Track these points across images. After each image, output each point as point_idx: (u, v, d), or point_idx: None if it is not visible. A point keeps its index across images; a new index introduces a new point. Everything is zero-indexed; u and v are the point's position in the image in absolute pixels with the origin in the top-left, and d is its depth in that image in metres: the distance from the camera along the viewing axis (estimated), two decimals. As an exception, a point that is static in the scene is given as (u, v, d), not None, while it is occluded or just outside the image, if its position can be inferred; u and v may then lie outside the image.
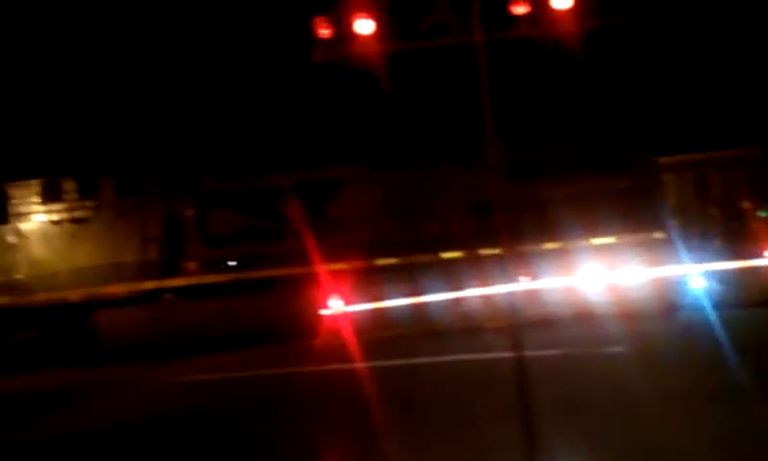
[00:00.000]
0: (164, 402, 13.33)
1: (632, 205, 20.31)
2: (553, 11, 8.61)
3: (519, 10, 8.47)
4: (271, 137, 23.35)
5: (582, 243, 20.43)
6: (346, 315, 19.72)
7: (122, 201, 21.82)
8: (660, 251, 19.99)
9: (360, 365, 13.42)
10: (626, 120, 21.39)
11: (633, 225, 20.40)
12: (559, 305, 19.25)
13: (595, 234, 20.47)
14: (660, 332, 15.34)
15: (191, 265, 22.19)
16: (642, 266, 19.70)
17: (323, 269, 20.11)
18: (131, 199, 21.84)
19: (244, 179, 22.52)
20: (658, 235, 20.41)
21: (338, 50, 8.74)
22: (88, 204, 21.58)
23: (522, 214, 20.58)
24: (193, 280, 21.87)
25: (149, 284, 21.75)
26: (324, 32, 8.71)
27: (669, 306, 18.71)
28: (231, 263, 22.15)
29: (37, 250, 21.16)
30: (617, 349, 12.79)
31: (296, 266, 21.01)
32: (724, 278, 18.95)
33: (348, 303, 20.24)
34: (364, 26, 8.67)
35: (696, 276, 19.13)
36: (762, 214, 20.03)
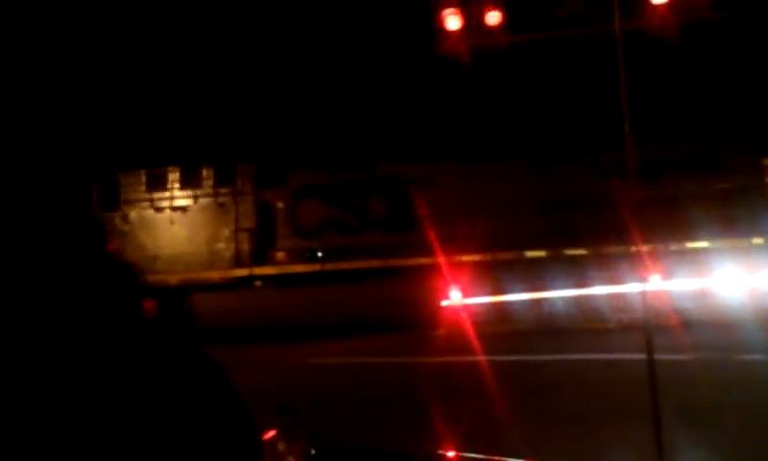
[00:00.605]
0: (297, 382, 13.51)
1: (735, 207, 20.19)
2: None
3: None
4: (366, 131, 23.84)
5: (712, 245, 20.15)
6: (466, 307, 19.78)
7: (218, 190, 22.82)
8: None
9: (481, 358, 13.37)
10: (733, 119, 21.10)
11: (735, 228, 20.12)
12: (691, 308, 18.71)
13: (712, 237, 20.22)
14: None
15: (281, 254, 22.97)
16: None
17: (442, 261, 20.24)
18: (226, 188, 22.83)
19: (334, 172, 23.23)
20: (757, 241, 20.17)
21: (464, 41, 9.03)
22: (188, 192, 22.70)
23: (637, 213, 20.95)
24: (286, 269, 22.58)
25: (240, 271, 22.70)
26: (453, 23, 9.01)
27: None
28: (319, 254, 22.75)
29: (142, 235, 22.32)
30: (756, 356, 12.39)
31: (397, 258, 21.64)
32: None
33: (467, 295, 20.39)
34: (492, 17, 9.00)
35: None
36: None
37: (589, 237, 20.58)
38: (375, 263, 21.99)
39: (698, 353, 12.76)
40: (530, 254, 21.22)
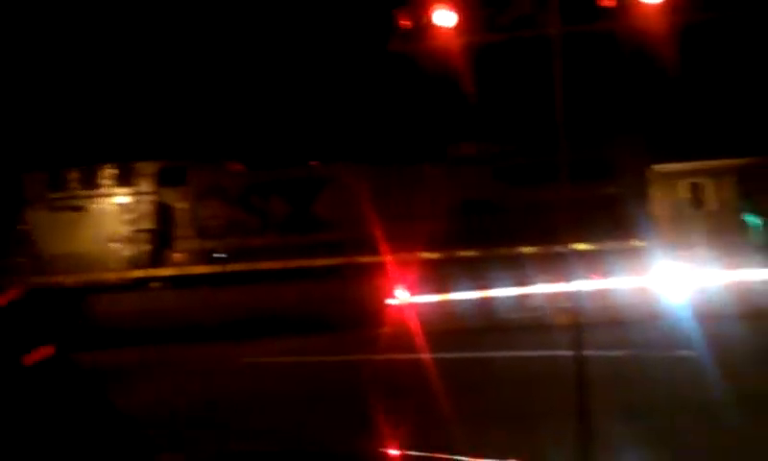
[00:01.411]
0: (235, 383, 13.44)
1: (615, 212, 20.65)
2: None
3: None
4: (273, 131, 23.75)
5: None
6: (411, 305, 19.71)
7: (117, 190, 22.35)
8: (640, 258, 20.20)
9: (426, 355, 13.41)
10: (616, 126, 21.67)
11: (615, 232, 20.59)
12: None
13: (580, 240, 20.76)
14: (735, 335, 14.87)
15: (180, 256, 22.65)
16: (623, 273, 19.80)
17: (383, 259, 20.24)
18: (126, 188, 22.38)
19: (238, 172, 23.11)
20: (637, 243, 20.70)
21: (416, 41, 9.29)
22: (87, 192, 22.14)
23: (513, 216, 21.67)
24: (185, 270, 22.30)
25: (137, 273, 22.27)
26: (405, 23, 9.27)
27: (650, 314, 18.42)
28: (219, 255, 22.56)
29: (41, 236, 21.68)
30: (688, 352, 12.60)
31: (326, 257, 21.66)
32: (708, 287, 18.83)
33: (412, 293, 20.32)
34: (444, 18, 9.32)
35: (678, 284, 19.04)
36: (749, 220, 20.50)
37: (491, 238, 21.07)
38: (277, 265, 21.93)
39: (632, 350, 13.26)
40: (463, 253, 21.39)
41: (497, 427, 8.62)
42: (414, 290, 20.32)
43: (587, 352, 7.18)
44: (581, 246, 20.68)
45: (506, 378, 11.94)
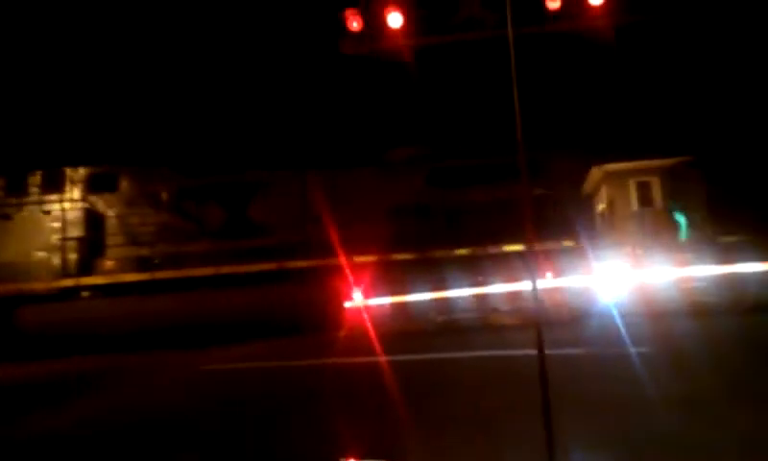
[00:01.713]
0: (193, 390, 13.13)
1: (544, 213, 21.00)
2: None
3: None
4: (206, 136, 23.46)
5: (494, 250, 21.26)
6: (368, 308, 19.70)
7: (45, 197, 21.76)
8: (570, 259, 20.45)
9: (383, 358, 13.39)
10: (551, 127, 22.24)
11: (544, 233, 20.85)
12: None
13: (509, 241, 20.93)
14: (687, 334, 14.99)
15: (110, 263, 22.18)
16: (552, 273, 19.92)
17: (339, 262, 20.21)
18: (54, 195, 21.81)
19: (169, 178, 22.77)
20: (568, 243, 21.12)
21: (367, 43, 9.27)
22: (13, 200, 21.49)
23: (438, 220, 21.92)
24: (116, 278, 21.83)
25: (67, 282, 21.71)
26: (354, 25, 9.23)
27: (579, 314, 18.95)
28: (156, 262, 22.21)
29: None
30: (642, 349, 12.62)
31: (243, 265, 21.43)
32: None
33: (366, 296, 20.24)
34: (394, 20, 9.30)
35: (609, 284, 19.29)
36: (677, 218, 20.92)
37: (417, 242, 21.20)
38: (209, 271, 21.68)
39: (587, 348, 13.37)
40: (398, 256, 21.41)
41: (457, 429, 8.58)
42: (362, 293, 20.37)
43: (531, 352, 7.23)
44: (515, 247, 21.22)
45: (464, 379, 11.90)
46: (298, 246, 21.71)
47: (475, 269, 20.67)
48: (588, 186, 22.09)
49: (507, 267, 20.17)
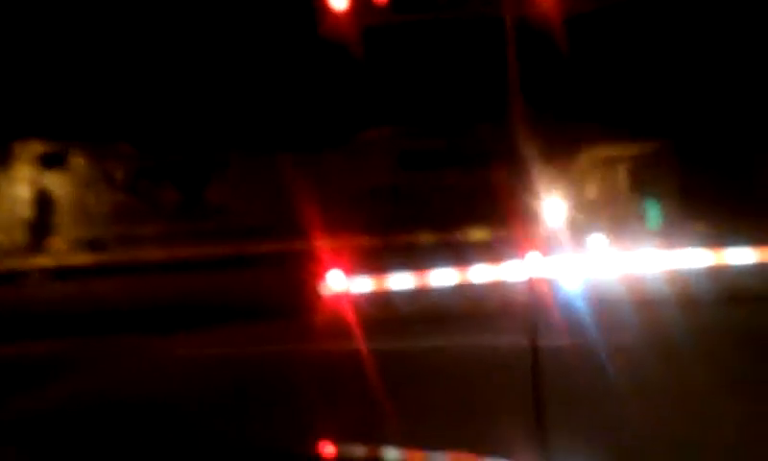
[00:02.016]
0: (169, 375, 12.89)
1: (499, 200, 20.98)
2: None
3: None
4: (166, 113, 22.53)
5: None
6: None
7: (-8, 174, 20.91)
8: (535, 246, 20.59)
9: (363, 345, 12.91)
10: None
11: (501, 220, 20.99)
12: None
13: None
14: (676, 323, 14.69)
15: (61, 244, 21.48)
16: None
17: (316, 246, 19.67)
18: (1, 172, 20.99)
19: (126, 155, 22.01)
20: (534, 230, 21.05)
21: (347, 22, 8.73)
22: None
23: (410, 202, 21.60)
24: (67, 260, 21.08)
25: (13, 263, 20.88)
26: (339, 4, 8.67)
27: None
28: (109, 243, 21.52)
29: None
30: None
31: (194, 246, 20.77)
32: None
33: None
34: None
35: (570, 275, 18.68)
36: (646, 205, 20.86)
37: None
38: (164, 254, 20.95)
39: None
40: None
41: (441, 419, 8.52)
42: (333, 277, 19.94)
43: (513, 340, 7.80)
44: (485, 232, 21.01)
45: (449, 368, 11.68)
46: (261, 229, 21.20)
47: (449, 253, 20.43)
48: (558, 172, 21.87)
49: (480, 252, 19.95)
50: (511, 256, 15.15)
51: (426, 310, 18.93)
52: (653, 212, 20.56)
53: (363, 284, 19.27)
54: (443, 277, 19.60)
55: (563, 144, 20.83)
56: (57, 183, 21.56)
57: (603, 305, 16.71)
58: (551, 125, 21.46)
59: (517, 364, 7.70)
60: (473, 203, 20.45)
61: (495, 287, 18.78)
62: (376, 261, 20.20)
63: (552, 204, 21.19)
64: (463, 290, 19.71)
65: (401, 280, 19.84)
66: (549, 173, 21.74)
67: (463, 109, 20.99)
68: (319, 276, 19.96)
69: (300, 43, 21.74)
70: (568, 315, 15.22)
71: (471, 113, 20.65)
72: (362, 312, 18.63)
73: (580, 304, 16.57)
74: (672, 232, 19.65)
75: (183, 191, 22.24)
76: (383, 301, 19.85)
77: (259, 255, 20.86)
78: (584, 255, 19.43)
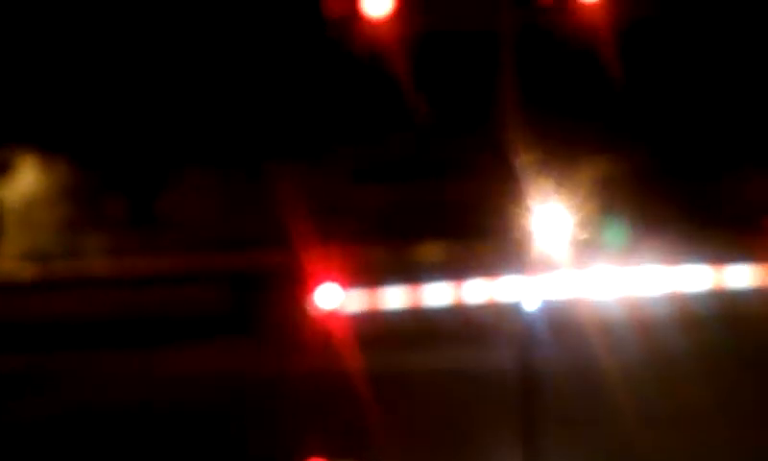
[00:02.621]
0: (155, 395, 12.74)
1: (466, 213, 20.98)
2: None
3: None
4: (107, 121, 22.04)
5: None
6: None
7: None
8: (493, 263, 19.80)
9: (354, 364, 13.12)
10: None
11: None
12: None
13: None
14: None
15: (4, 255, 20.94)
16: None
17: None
18: None
19: (69, 166, 21.41)
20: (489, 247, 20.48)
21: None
22: None
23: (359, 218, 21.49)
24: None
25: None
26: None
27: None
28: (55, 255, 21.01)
29: None
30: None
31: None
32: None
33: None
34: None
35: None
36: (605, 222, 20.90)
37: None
38: (112, 266, 20.71)
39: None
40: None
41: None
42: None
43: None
44: (440, 247, 21.07)
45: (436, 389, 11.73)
46: (209, 242, 21.00)
47: (406, 269, 20.36)
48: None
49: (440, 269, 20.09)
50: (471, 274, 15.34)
51: (385, 330, 18.99)
52: (615, 230, 20.72)
53: (326, 298, 19.33)
54: (396, 295, 19.83)
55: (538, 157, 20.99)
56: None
57: (560, 326, 17.11)
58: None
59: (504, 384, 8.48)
60: (434, 217, 20.59)
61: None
62: (334, 276, 20.15)
63: (521, 219, 21.37)
64: (415, 312, 19.98)
65: (357, 297, 19.93)
66: (521, 187, 21.83)
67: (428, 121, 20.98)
68: (274, 290, 19.96)
69: (257, 55, 21.62)
70: (530, 334, 16.50)
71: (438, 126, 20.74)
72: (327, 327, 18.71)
73: (539, 325, 17.11)
74: (633, 250, 19.89)
75: (132, 202, 21.87)
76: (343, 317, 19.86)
77: (207, 270, 20.68)
78: (548, 274, 19.80)
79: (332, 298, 19.49)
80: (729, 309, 18.02)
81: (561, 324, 16.99)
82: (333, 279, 19.65)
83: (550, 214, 20.62)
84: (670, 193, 20.27)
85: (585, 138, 20.32)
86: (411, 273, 20.51)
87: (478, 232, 20.09)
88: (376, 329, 18.37)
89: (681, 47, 20.15)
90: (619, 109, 20.45)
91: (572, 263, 19.50)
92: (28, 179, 21.16)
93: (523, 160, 20.34)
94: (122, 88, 21.96)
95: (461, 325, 19.44)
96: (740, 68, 20.36)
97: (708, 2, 14.61)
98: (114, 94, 21.90)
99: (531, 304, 18.80)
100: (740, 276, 19.16)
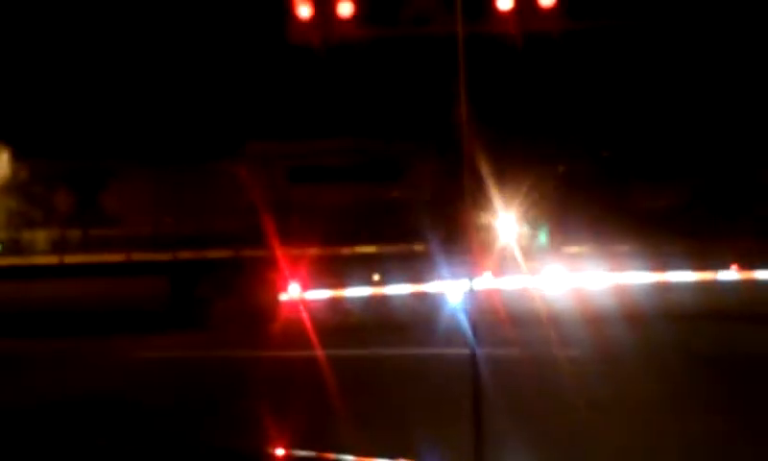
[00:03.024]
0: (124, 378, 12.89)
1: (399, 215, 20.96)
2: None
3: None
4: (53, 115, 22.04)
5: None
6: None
7: None
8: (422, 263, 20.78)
9: (319, 352, 13.36)
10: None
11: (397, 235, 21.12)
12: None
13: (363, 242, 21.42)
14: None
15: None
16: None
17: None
18: None
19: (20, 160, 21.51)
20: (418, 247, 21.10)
21: (317, 32, 9.28)
22: None
23: (297, 217, 21.90)
24: None
25: None
26: (304, 13, 9.20)
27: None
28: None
29: None
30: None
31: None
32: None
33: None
34: (344, 9, 9.37)
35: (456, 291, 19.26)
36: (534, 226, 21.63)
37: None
38: (55, 259, 20.92)
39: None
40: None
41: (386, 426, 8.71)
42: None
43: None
44: (371, 248, 21.61)
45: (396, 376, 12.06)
46: (148, 238, 21.28)
47: (333, 268, 21.09)
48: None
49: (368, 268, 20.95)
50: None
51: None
52: (539, 233, 21.47)
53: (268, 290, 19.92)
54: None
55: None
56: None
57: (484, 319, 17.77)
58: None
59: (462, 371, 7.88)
60: (361, 218, 21.19)
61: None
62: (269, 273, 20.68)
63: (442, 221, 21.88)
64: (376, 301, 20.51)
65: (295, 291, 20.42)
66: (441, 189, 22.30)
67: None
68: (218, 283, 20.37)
69: (196, 55, 21.90)
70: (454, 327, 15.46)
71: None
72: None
73: (462, 317, 16.33)
74: (547, 254, 20.91)
75: (78, 197, 21.83)
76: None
77: (145, 264, 21.04)
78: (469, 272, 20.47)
79: (273, 290, 20.27)
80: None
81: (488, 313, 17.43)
82: (274, 274, 20.47)
83: (495, 218, 21.44)
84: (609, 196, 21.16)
85: (537, 145, 21.21)
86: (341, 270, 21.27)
87: (415, 233, 20.72)
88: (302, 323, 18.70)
89: (636, 55, 20.68)
90: (572, 117, 21.34)
91: (513, 262, 20.46)
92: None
93: (469, 164, 20.90)
94: (70, 85, 22.08)
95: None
96: (692, 76, 20.98)
97: (663, 11, 15.14)
98: (62, 91, 22.03)
99: (456, 297, 19.57)
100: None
